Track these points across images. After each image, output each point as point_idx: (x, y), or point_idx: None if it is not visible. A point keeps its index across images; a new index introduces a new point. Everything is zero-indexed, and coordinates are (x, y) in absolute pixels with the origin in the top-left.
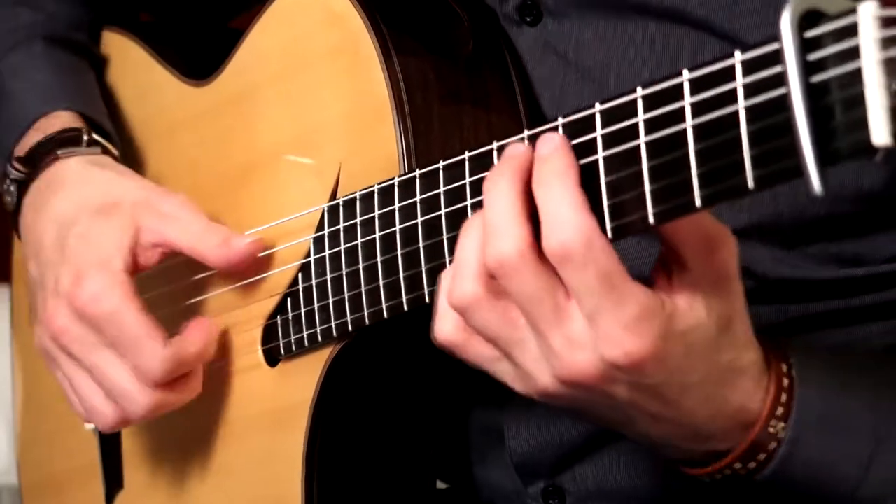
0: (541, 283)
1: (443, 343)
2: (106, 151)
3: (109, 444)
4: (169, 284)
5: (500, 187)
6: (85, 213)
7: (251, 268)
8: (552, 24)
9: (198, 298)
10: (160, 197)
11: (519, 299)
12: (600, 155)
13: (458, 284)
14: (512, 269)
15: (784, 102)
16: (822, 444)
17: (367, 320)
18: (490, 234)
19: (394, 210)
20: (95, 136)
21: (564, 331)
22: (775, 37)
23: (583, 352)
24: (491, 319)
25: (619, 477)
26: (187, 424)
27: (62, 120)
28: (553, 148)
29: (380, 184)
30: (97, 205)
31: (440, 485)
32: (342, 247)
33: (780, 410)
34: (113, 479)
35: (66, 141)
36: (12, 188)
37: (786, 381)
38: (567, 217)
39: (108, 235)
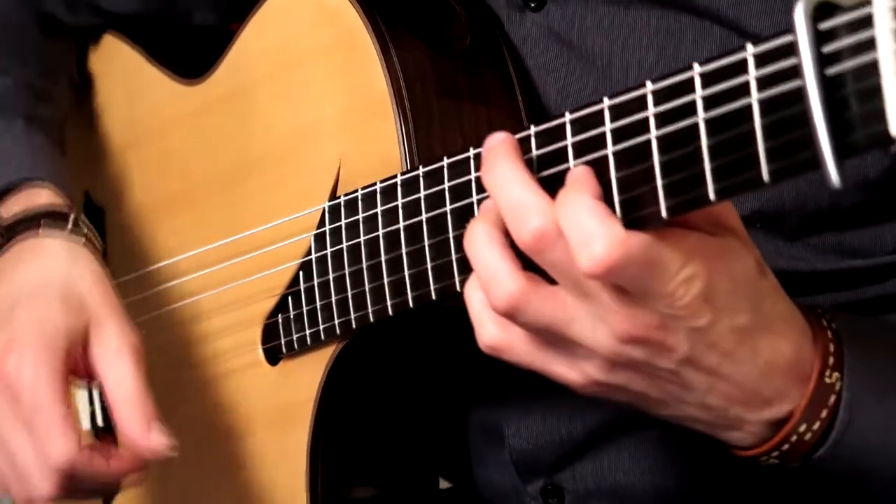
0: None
1: (491, 349)
2: (88, 241)
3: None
4: (166, 283)
5: (503, 173)
6: (45, 295)
7: (251, 268)
8: (555, 10)
9: (196, 298)
10: (120, 330)
11: (561, 268)
12: (610, 150)
13: (497, 288)
14: (550, 239)
15: (799, 95)
16: (879, 396)
17: (371, 318)
18: (514, 219)
19: (397, 207)
20: (82, 221)
21: (611, 302)
22: (788, 29)
23: (636, 305)
24: (541, 308)
25: (618, 475)
26: (185, 427)
27: (46, 194)
28: (575, 176)
29: (382, 182)
30: (61, 294)
31: (444, 484)
32: (344, 244)
33: (831, 360)
34: None
35: (50, 217)
36: None
37: (829, 333)
38: (596, 231)
39: (60, 324)
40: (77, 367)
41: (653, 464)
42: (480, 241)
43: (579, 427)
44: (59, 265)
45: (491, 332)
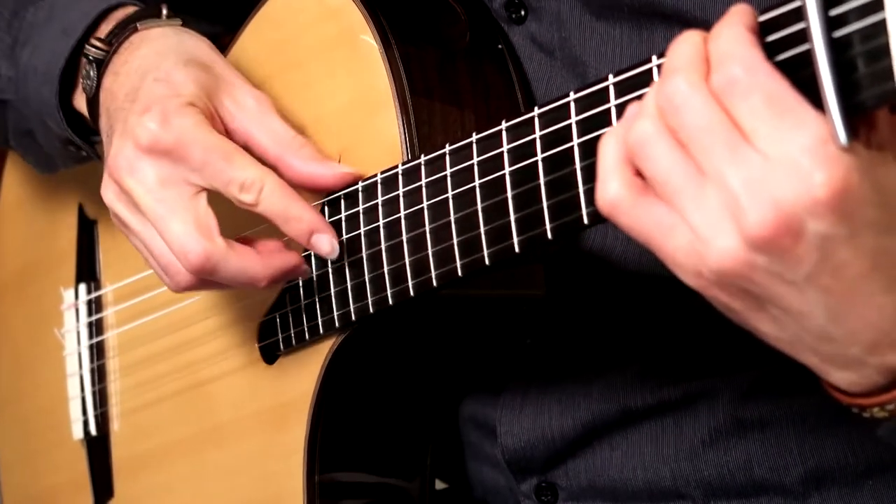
0: (711, 114)
1: (609, 204)
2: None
3: (98, 455)
4: (159, 288)
5: (683, 41)
6: (168, 60)
7: None
8: (535, 22)
9: (191, 300)
10: (252, 88)
11: (691, 135)
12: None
13: (635, 124)
14: (682, 99)
15: (807, 58)
16: None
17: (371, 308)
18: (663, 76)
19: (398, 196)
20: (173, 14)
21: (742, 169)
22: None
23: (768, 189)
24: (665, 158)
25: (611, 472)
26: (180, 427)
27: (131, 7)
28: (735, 8)
29: (383, 172)
30: (184, 60)
31: (439, 485)
32: (344, 237)
33: None
34: (103, 490)
35: (145, 16)
36: (91, 72)
37: None
38: (732, 51)
39: (188, 82)
40: (214, 122)
41: (646, 460)
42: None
43: (571, 425)
44: (170, 41)
45: (613, 187)
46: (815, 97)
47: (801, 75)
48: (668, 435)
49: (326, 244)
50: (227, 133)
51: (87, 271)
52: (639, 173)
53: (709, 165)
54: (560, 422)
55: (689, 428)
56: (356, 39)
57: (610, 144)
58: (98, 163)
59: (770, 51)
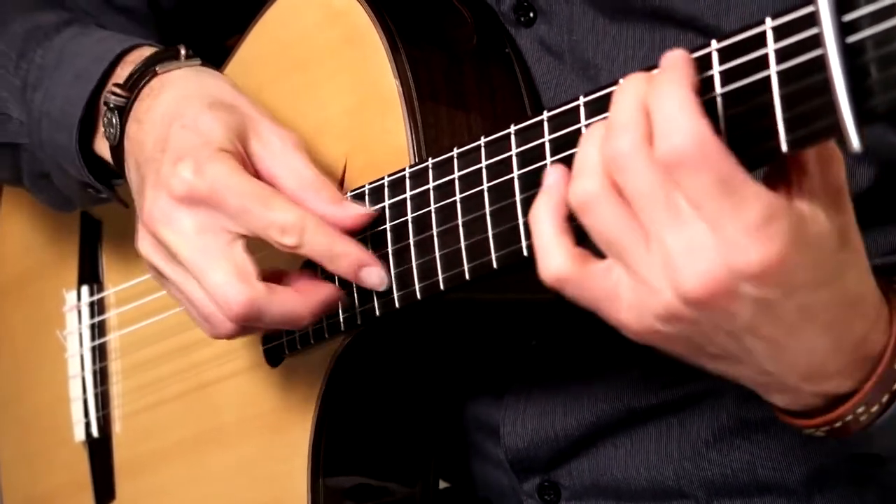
0: (655, 179)
1: (554, 278)
2: (205, 64)
3: (100, 457)
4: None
5: (628, 92)
6: (192, 106)
7: None
8: (545, 25)
9: None
10: (278, 126)
11: (634, 196)
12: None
13: (578, 182)
14: (625, 161)
15: (819, 64)
16: None
17: (377, 311)
18: (609, 131)
19: (405, 199)
20: (192, 54)
21: (683, 235)
22: (807, 1)
23: (704, 259)
24: (609, 217)
25: (614, 472)
26: (182, 429)
27: (147, 49)
28: (672, 60)
29: (390, 175)
30: (208, 101)
31: (442, 484)
32: None
33: None
34: (104, 492)
35: (163, 59)
36: (114, 119)
37: None
38: (678, 121)
39: (217, 127)
40: (245, 165)
41: (649, 460)
42: (592, 136)
43: (575, 425)
44: (191, 84)
45: (557, 260)
46: (822, 104)
47: (811, 81)
48: (672, 434)
49: (375, 277)
50: (256, 174)
51: (89, 273)
52: (577, 235)
53: (651, 227)
54: (564, 421)
55: (692, 428)
56: (363, 41)
57: (543, 215)
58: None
59: (781, 56)
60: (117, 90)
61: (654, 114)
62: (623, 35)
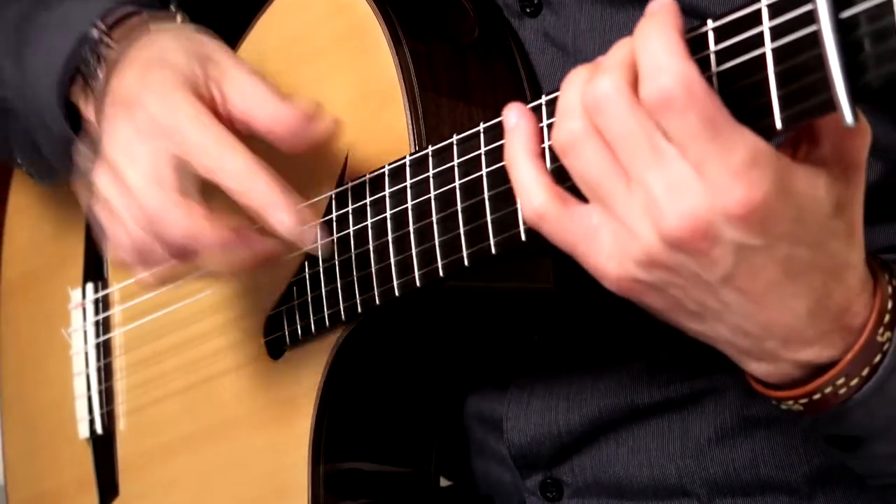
0: (637, 121)
1: (536, 215)
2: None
3: (104, 454)
4: None
5: (620, 44)
6: (170, 56)
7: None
8: (551, 16)
9: (200, 295)
10: (253, 73)
11: (616, 139)
12: None
13: (564, 122)
14: (607, 104)
15: (813, 40)
16: None
17: (377, 300)
18: (592, 75)
19: (405, 188)
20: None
21: (665, 174)
22: None
23: (687, 198)
24: (593, 158)
25: (616, 469)
26: (186, 424)
27: (147, 12)
28: (659, 5)
29: (390, 164)
30: (186, 50)
31: (444, 482)
32: (351, 229)
33: (887, 318)
34: (108, 488)
35: (157, 17)
36: (99, 70)
37: (890, 289)
38: (665, 63)
39: (185, 68)
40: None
41: (651, 457)
42: (575, 81)
43: (578, 421)
44: (179, 37)
45: (538, 197)
46: (816, 80)
47: (806, 57)
48: (675, 432)
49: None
50: (229, 115)
51: (94, 270)
52: (559, 177)
53: (633, 169)
54: (567, 417)
55: (695, 425)
56: (365, 33)
57: (517, 155)
58: None
59: (776, 34)
60: (107, 40)
61: (641, 56)
62: (630, 24)
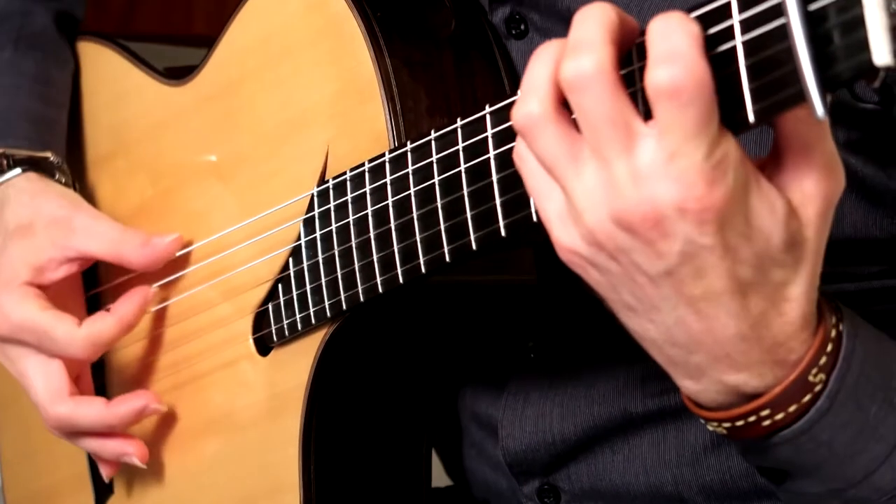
0: (617, 105)
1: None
2: (33, 165)
3: None
4: (156, 282)
5: (594, 10)
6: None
7: (241, 259)
8: (538, 39)
9: (187, 293)
10: (73, 213)
11: (588, 118)
12: None
13: (523, 104)
14: (589, 83)
15: (782, 33)
16: (854, 416)
17: (361, 297)
18: (571, 49)
19: (385, 184)
20: (15, 155)
21: (634, 162)
22: None
23: (650, 185)
24: (552, 142)
25: (613, 477)
26: (178, 423)
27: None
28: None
29: (371, 161)
30: (11, 228)
31: (442, 483)
32: (333, 226)
33: (823, 360)
34: (103, 486)
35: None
36: None
37: (834, 333)
38: (685, 52)
39: (17, 257)
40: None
41: (647, 465)
42: (543, 57)
43: (572, 429)
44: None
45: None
46: (787, 73)
47: (775, 50)
48: (670, 440)
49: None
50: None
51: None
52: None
53: (600, 150)
54: (561, 425)
55: (691, 433)
56: (341, 29)
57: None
58: (90, 157)
59: (746, 27)
60: None
61: (657, 40)
62: None
